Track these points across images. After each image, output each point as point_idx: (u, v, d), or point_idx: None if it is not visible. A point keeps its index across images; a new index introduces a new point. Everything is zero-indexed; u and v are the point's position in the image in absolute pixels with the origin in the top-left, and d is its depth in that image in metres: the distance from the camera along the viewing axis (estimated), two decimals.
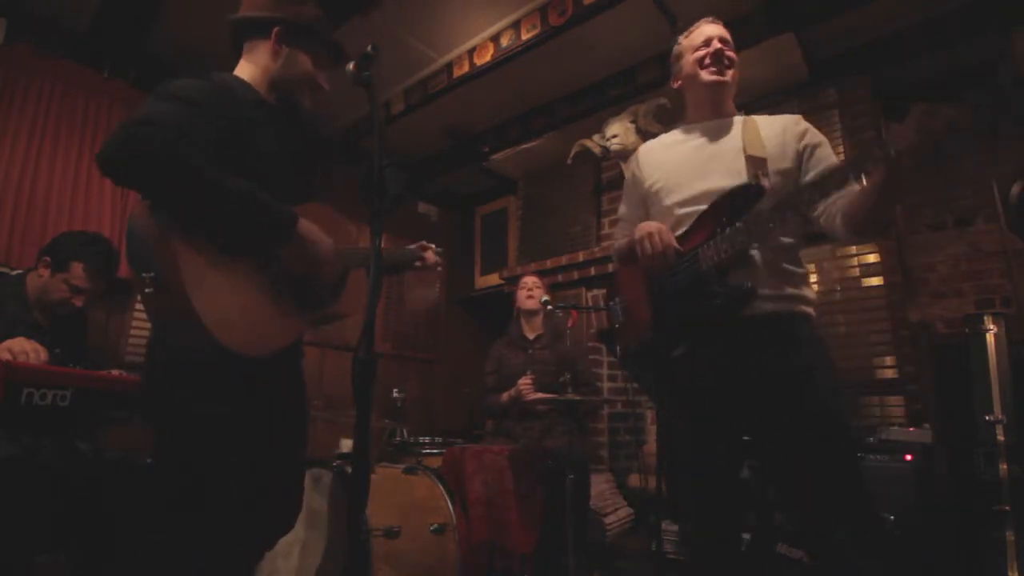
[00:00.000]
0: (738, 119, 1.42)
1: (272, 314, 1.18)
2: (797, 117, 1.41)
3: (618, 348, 1.50)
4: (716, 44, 1.40)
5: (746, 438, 1.33)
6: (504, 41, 2.97)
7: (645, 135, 3.32)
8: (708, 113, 1.45)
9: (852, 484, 1.15)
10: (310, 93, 1.36)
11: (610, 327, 1.55)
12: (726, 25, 1.47)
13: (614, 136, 3.35)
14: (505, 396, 2.70)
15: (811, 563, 1.26)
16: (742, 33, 2.51)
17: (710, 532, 1.29)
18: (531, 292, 2.90)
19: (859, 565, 1.08)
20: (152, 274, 1.05)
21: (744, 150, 1.32)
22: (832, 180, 1.12)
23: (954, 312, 2.90)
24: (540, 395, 2.58)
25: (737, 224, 1.22)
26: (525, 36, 2.87)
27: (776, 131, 1.36)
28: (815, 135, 1.36)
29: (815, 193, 1.15)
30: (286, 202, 1.21)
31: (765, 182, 1.25)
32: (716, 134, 1.41)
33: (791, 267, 1.30)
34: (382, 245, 0.96)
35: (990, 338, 2.32)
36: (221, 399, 1.12)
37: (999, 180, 2.93)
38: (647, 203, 1.50)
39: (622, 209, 1.62)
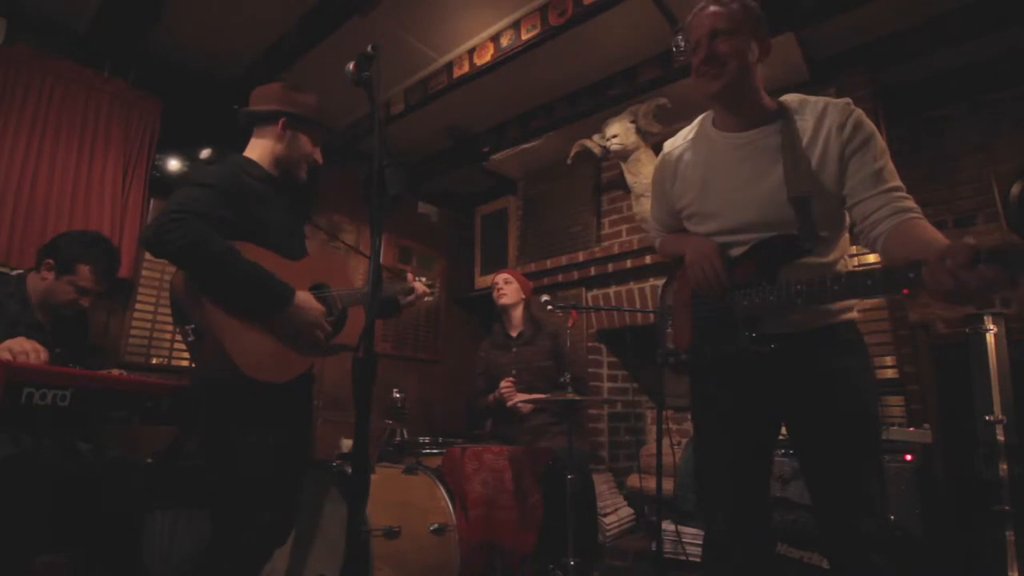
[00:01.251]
0: (775, 132, 1.24)
1: (288, 350, 1.45)
2: (845, 108, 1.21)
3: (660, 350, 1.49)
4: (704, 48, 1.23)
5: (780, 437, 1.35)
6: (504, 41, 2.97)
7: (645, 135, 3.32)
8: (732, 122, 1.30)
9: (880, 480, 1.18)
10: (306, 167, 1.67)
11: (659, 328, 1.53)
12: None
13: (614, 136, 3.35)
14: (491, 398, 2.68)
15: (830, 560, 1.27)
16: None
17: (737, 534, 1.28)
18: (501, 289, 2.80)
19: (882, 561, 1.10)
20: (192, 326, 1.33)
21: (787, 189, 1.20)
22: (865, 289, 1.09)
23: (954, 312, 2.90)
24: (523, 396, 2.55)
25: (773, 282, 1.21)
26: (525, 36, 2.86)
27: (820, 139, 1.21)
28: (858, 138, 1.19)
29: (847, 293, 1.11)
30: (288, 254, 1.53)
31: (809, 243, 1.20)
32: (751, 155, 1.27)
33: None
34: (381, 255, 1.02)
35: (990, 338, 2.32)
36: (245, 417, 1.39)
37: (999, 180, 2.94)
38: (677, 216, 1.46)
39: (652, 206, 1.57)
